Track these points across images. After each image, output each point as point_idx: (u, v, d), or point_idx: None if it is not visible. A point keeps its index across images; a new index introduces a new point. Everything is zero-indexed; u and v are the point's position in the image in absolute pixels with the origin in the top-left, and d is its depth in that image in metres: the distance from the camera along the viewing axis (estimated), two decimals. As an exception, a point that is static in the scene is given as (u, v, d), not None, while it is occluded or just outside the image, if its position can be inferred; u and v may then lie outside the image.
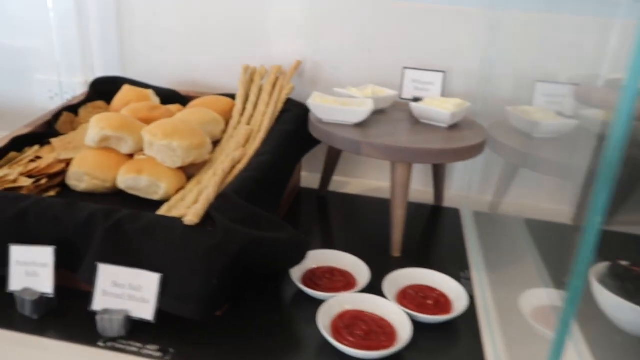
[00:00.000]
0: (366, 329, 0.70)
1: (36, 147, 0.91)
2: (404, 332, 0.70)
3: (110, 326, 0.69)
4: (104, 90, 1.10)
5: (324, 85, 1.16)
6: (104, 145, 0.87)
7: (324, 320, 0.71)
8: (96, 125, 0.85)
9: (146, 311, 0.68)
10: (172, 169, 0.84)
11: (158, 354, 0.68)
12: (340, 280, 0.81)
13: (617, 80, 0.94)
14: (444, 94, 1.05)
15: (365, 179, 1.23)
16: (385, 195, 1.13)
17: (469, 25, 1.08)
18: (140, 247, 0.69)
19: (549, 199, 1.09)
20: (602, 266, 0.82)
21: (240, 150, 0.89)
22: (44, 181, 0.83)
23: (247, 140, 0.95)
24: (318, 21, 1.14)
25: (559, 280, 0.86)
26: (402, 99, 1.07)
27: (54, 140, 0.91)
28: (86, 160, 0.85)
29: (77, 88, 1.26)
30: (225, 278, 0.68)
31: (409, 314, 0.73)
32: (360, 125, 0.94)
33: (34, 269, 0.72)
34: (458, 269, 0.90)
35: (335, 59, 1.15)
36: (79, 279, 0.71)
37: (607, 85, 0.95)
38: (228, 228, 0.69)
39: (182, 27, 1.20)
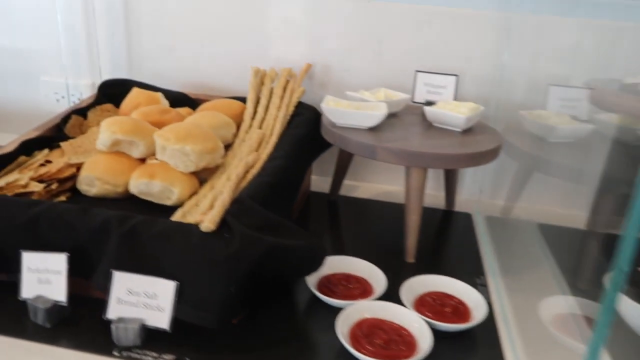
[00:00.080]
0: (386, 338, 0.69)
1: (46, 151, 0.90)
2: (424, 342, 0.69)
3: (125, 335, 0.67)
4: (112, 92, 1.09)
5: (334, 88, 1.15)
6: (115, 150, 0.86)
7: (342, 328, 0.70)
8: (107, 129, 0.84)
9: (162, 320, 0.67)
10: (185, 174, 0.82)
11: (174, 364, 0.67)
12: (356, 287, 0.80)
13: (634, 84, 0.94)
14: (456, 97, 1.04)
15: (376, 183, 1.21)
16: (396, 199, 1.12)
17: (481, 28, 1.07)
18: (155, 254, 0.68)
19: (562, 204, 1.09)
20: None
21: (253, 155, 0.87)
22: (54, 186, 0.82)
23: (259, 145, 0.93)
24: (328, 24, 1.12)
25: (575, 286, 0.85)
26: (415, 102, 1.06)
27: (63, 144, 0.90)
28: (97, 164, 0.84)
29: (84, 90, 1.25)
30: (242, 285, 0.67)
31: (428, 322, 0.72)
32: (374, 129, 0.93)
33: (46, 276, 0.70)
34: (473, 275, 0.89)
35: (345, 62, 1.14)
36: (93, 286, 0.70)
37: (623, 89, 0.95)
38: (245, 235, 0.67)
39: (189, 29, 1.18)
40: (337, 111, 0.92)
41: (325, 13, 1.12)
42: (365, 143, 0.88)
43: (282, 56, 1.15)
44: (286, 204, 0.89)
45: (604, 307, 0.47)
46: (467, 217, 1.11)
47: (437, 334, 0.71)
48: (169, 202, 0.81)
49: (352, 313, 0.73)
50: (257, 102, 1.06)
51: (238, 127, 1.00)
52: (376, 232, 1.06)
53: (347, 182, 1.14)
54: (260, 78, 1.10)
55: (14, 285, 0.72)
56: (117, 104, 1.06)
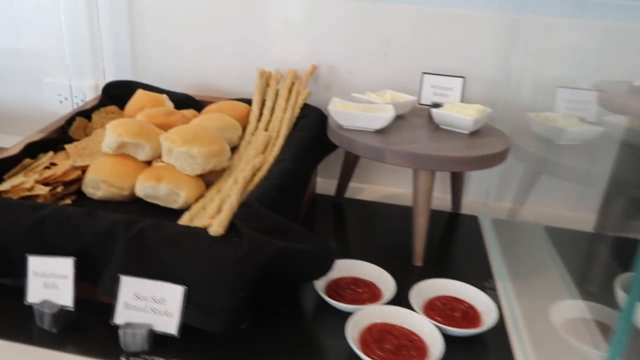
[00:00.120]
0: (396, 343, 0.68)
1: (50, 154, 0.89)
2: (435, 347, 0.68)
3: (133, 341, 0.66)
4: (116, 94, 1.08)
5: (340, 90, 1.14)
6: (121, 152, 0.85)
7: (352, 333, 0.69)
8: (113, 131, 0.83)
9: (170, 325, 0.66)
10: (192, 177, 0.82)
11: (182, 369, 0.66)
12: (365, 292, 0.79)
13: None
14: (463, 99, 1.03)
15: (382, 185, 1.21)
16: (402, 201, 1.11)
17: (487, 30, 1.06)
18: (163, 258, 0.67)
19: (569, 206, 1.08)
20: (628, 276, 0.81)
21: (260, 157, 0.87)
22: (60, 189, 0.81)
23: (266, 147, 0.93)
24: (333, 26, 1.12)
25: (585, 290, 0.85)
26: (421, 104, 1.05)
27: (68, 147, 0.89)
28: (103, 167, 0.83)
29: (88, 92, 1.24)
30: (250, 290, 0.66)
31: (438, 327, 0.72)
32: (381, 131, 0.92)
33: (53, 280, 0.70)
34: (482, 279, 0.89)
35: (351, 64, 1.13)
36: (100, 291, 0.69)
37: (632, 91, 0.94)
38: (254, 239, 0.67)
39: (193, 30, 1.17)
40: (344, 113, 0.92)
41: (330, 15, 1.11)
42: (373, 145, 0.87)
43: (286, 57, 1.14)
44: (293, 206, 0.88)
45: (622, 314, 0.46)
46: (473, 220, 1.10)
47: (447, 338, 0.70)
48: (175, 205, 0.80)
49: (361, 318, 0.72)
50: (263, 104, 1.05)
51: (243, 129, 1.00)
52: (382, 234, 1.05)
53: (352, 184, 1.13)
54: (266, 80, 1.09)
55: (20, 289, 0.71)
56: (121, 105, 1.05)
